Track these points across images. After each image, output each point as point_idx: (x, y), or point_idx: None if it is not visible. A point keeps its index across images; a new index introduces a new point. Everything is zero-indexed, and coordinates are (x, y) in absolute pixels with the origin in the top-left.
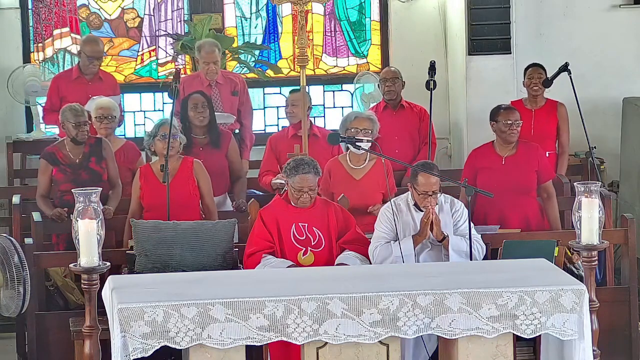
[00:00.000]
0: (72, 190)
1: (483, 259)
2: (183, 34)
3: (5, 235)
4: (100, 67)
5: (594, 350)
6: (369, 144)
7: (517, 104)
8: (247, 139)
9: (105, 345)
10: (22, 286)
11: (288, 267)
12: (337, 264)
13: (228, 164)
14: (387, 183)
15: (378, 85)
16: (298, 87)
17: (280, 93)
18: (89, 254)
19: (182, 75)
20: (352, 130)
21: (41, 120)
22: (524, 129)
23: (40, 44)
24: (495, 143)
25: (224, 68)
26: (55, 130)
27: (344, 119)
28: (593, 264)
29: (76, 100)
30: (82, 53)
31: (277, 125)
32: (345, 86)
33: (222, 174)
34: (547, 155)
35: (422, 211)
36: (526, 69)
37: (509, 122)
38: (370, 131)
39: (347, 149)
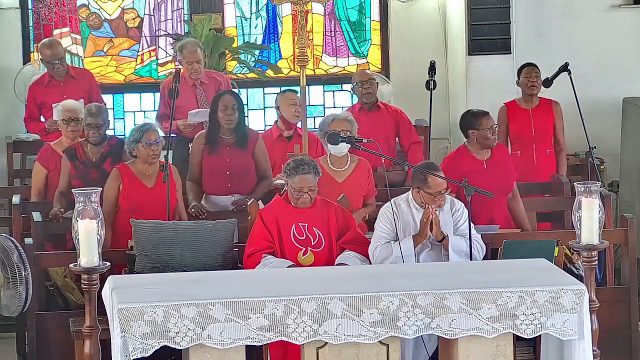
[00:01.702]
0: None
1: (483, 259)
2: (183, 34)
3: (5, 235)
4: (72, 65)
5: (594, 350)
6: (370, 143)
7: (512, 104)
8: None
9: (105, 345)
10: (24, 285)
11: (288, 267)
12: (337, 264)
13: (255, 164)
14: (378, 183)
15: (352, 89)
16: (291, 87)
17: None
18: (89, 254)
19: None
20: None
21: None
22: (524, 129)
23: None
24: (469, 148)
25: (223, 68)
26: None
27: (322, 123)
28: (593, 264)
29: (53, 104)
30: (42, 59)
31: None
32: (345, 86)
33: (248, 174)
34: (547, 153)
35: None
36: (521, 69)
37: (492, 126)
38: (349, 132)
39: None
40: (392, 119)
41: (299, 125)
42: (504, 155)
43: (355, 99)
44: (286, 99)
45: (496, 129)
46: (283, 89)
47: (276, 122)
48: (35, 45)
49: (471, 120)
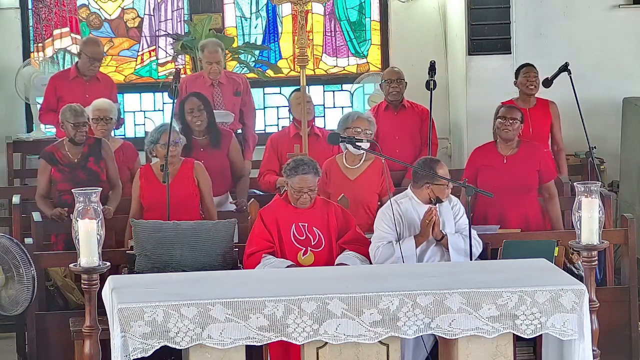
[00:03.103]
0: (71, 190)
1: (482, 259)
2: (183, 34)
3: (4, 234)
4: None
5: (594, 350)
6: (369, 143)
7: (509, 104)
8: (250, 139)
9: (105, 345)
10: (31, 282)
11: (288, 267)
12: (337, 264)
13: (230, 163)
14: (387, 183)
15: (380, 85)
16: (297, 87)
17: (280, 93)
18: (89, 254)
19: (182, 75)
20: (354, 130)
21: (38, 120)
22: (522, 129)
23: (40, 44)
24: (497, 142)
25: (224, 68)
26: (53, 130)
27: (344, 118)
28: (593, 264)
29: (73, 100)
30: (83, 54)
31: (277, 125)
32: (345, 86)
33: (224, 174)
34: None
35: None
36: (519, 69)
37: (504, 118)
38: (369, 132)
39: (346, 148)
40: (418, 118)
41: (314, 123)
42: (533, 153)
43: (360, 100)
44: (294, 99)
45: (512, 121)
46: (292, 89)
47: (293, 121)
48: (35, 45)
49: (496, 110)
